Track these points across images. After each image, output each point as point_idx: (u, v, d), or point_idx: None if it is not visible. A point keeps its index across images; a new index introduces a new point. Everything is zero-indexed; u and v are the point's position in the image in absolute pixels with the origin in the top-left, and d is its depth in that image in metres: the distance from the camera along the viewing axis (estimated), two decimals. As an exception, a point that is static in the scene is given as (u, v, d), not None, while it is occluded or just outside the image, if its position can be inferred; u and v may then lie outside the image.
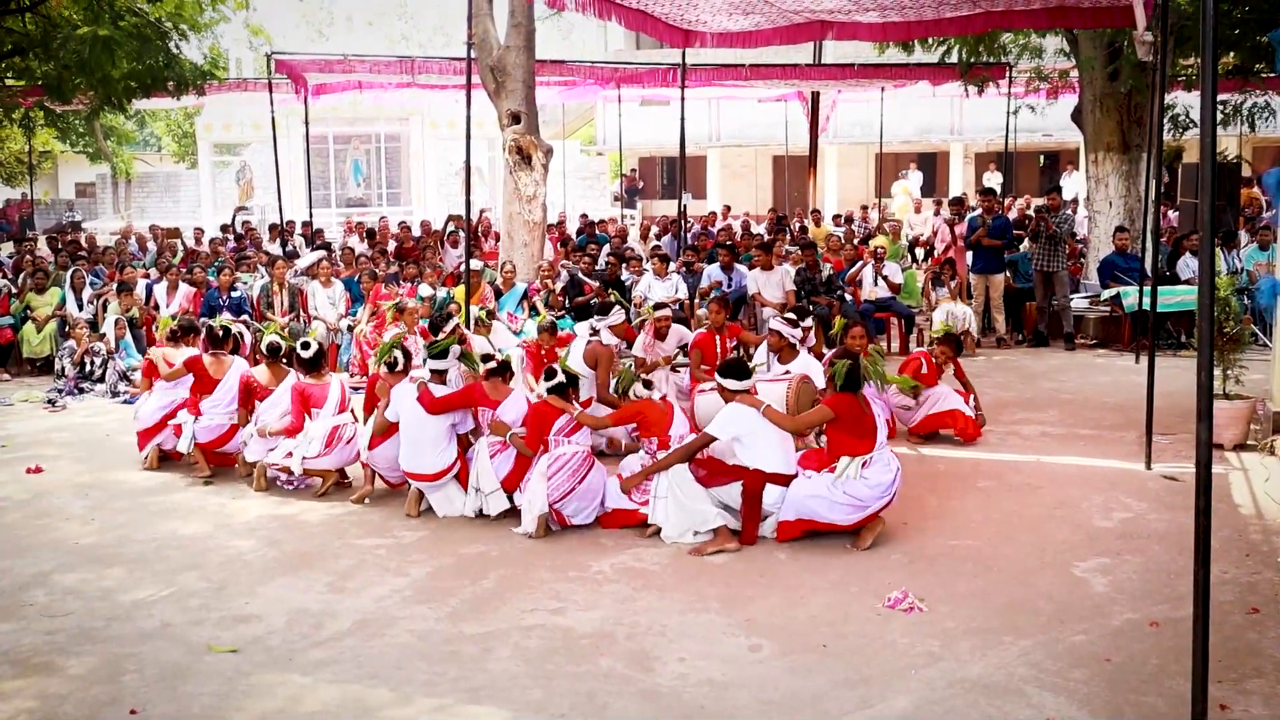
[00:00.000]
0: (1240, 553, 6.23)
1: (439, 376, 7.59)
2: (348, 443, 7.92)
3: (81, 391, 11.84)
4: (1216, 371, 8.43)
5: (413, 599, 5.78)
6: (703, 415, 8.43)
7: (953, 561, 6.19)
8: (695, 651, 5.06)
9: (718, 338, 9.67)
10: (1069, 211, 16.09)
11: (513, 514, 7.08)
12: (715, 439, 6.71)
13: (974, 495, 7.50)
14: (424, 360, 7.84)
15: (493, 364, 7.50)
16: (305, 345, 8.28)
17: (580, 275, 14.05)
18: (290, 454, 7.84)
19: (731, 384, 6.80)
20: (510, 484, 7.11)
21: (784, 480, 6.57)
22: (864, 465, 6.46)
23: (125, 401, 11.34)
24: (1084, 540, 6.52)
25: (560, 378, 7.25)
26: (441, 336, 8.77)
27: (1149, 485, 7.65)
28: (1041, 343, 13.90)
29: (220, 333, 8.89)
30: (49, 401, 11.39)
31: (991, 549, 6.39)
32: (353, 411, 8.25)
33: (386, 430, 7.54)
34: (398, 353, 7.95)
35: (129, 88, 15.02)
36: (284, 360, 8.55)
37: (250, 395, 8.41)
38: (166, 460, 8.73)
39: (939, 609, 5.49)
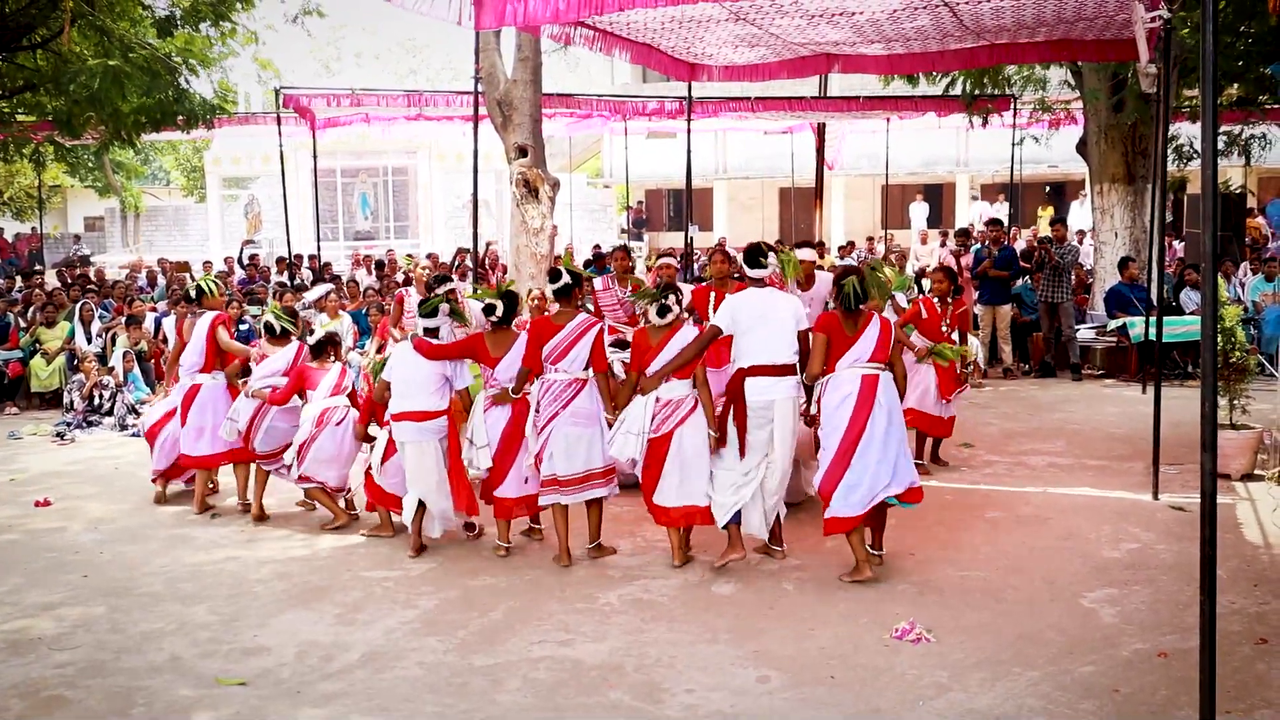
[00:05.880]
0: (1249, 583, 6.23)
1: (432, 334, 7.39)
2: (337, 425, 7.85)
3: (90, 424, 11.89)
4: (1223, 401, 8.44)
5: (421, 631, 5.79)
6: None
7: (961, 593, 6.19)
8: (704, 683, 5.06)
9: (713, 295, 8.47)
10: (1074, 242, 16.11)
11: (524, 547, 7.11)
12: (720, 331, 6.52)
13: (982, 526, 7.50)
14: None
15: (496, 314, 7.08)
16: (315, 336, 8.33)
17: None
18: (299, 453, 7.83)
19: (754, 272, 6.62)
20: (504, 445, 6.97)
21: (769, 370, 6.37)
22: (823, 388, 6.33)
23: (134, 435, 11.39)
24: (1092, 571, 6.51)
25: (566, 279, 6.89)
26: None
27: (1157, 516, 7.65)
28: (1048, 373, 13.92)
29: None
30: (58, 434, 11.45)
31: (1000, 580, 6.39)
32: (352, 394, 8.18)
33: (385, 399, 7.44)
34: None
35: (139, 122, 15.11)
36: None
37: (303, 384, 8.19)
38: (176, 495, 8.75)
39: (948, 640, 5.49)
